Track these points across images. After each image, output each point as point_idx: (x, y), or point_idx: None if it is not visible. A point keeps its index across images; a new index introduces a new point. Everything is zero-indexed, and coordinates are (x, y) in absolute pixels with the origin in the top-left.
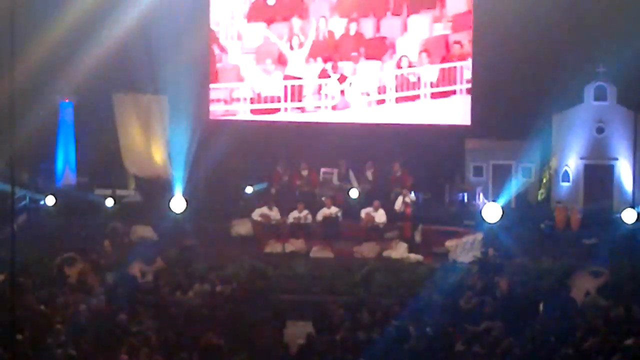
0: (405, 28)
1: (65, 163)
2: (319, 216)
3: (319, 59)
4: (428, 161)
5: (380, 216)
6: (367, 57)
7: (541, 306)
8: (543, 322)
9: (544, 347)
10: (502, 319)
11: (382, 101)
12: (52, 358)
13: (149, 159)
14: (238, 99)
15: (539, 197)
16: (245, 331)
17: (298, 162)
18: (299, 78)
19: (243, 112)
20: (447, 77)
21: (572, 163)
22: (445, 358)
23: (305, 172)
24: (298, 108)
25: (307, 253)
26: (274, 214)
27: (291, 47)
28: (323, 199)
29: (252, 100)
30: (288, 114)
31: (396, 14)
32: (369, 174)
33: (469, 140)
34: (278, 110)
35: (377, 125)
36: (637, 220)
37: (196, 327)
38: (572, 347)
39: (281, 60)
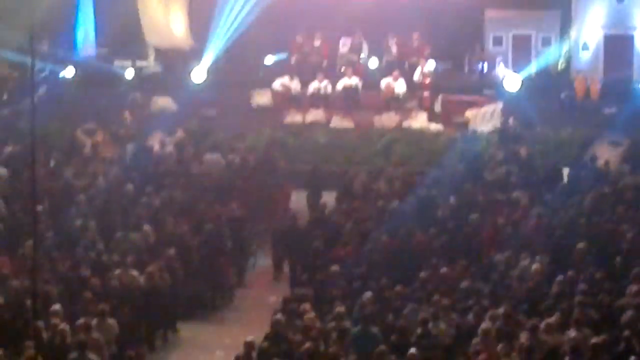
0: None
1: (84, 34)
2: (339, 86)
3: None
4: (447, 31)
5: (399, 86)
6: None
7: (565, 174)
8: (569, 191)
9: (570, 217)
10: (527, 188)
11: None
12: (72, 228)
13: (169, 29)
14: None
15: (559, 67)
16: (265, 201)
17: (315, 33)
18: None
19: None
20: None
21: (592, 33)
22: (468, 227)
23: (318, 43)
24: None
25: (327, 123)
26: (294, 84)
27: None
28: (342, 69)
29: None
30: None
31: None
32: (389, 45)
33: (489, 10)
34: None
35: None
36: None
37: (217, 198)
38: (603, 215)
39: None
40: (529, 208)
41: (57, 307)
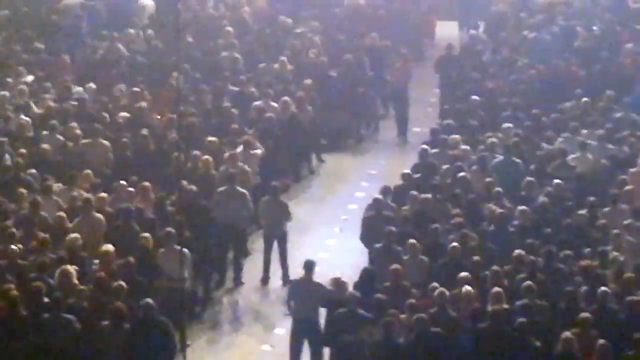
0: None
1: None
2: None
3: None
4: None
5: None
6: None
7: None
8: None
9: None
10: None
11: None
12: (218, 60)
13: None
14: None
15: None
16: (410, 31)
17: None
18: None
19: None
20: None
21: None
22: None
23: None
24: None
25: None
26: None
27: None
28: None
29: None
30: None
31: None
32: None
33: None
34: None
35: None
36: None
37: (360, 27)
38: None
39: None
40: None
41: (211, 138)
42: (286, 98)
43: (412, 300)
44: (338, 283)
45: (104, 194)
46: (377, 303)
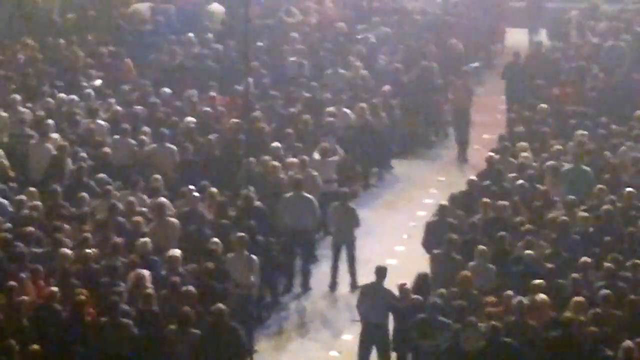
0: None
1: None
2: None
3: None
4: None
5: None
6: None
7: None
8: None
9: None
10: None
11: None
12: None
13: None
14: None
15: None
16: (481, 38)
17: None
18: None
19: None
20: None
21: None
22: None
23: None
24: None
25: None
26: None
27: None
28: None
29: None
30: None
31: None
32: None
33: None
34: None
35: None
36: None
37: (434, 35)
38: None
39: None
40: None
41: (276, 144)
42: (363, 105)
43: (492, 309)
44: (402, 290)
45: (164, 199)
46: (457, 310)
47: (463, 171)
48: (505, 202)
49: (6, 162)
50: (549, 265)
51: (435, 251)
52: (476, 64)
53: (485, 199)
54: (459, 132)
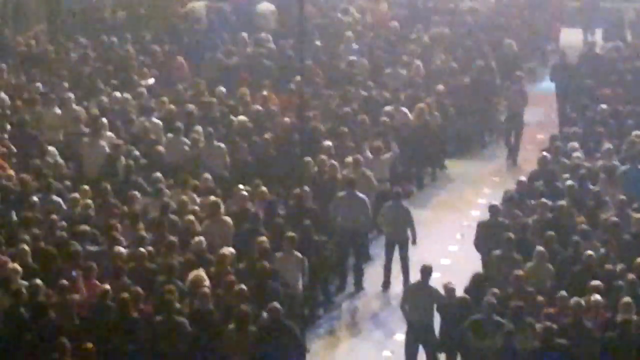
0: None
1: None
2: None
3: None
4: None
5: None
6: None
7: None
8: None
9: None
10: None
11: None
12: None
13: None
14: None
15: None
16: (534, 39)
17: None
18: None
19: None
20: None
21: None
22: None
23: None
24: None
25: None
26: None
27: None
28: None
29: None
30: None
31: None
32: None
33: None
34: None
35: None
36: None
37: (487, 36)
38: None
39: None
40: None
41: (327, 143)
42: (422, 105)
43: (551, 310)
44: (448, 289)
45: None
46: (513, 310)
47: (516, 171)
48: (563, 202)
49: (61, 161)
50: (607, 266)
51: (494, 252)
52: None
53: (542, 200)
54: (509, 136)
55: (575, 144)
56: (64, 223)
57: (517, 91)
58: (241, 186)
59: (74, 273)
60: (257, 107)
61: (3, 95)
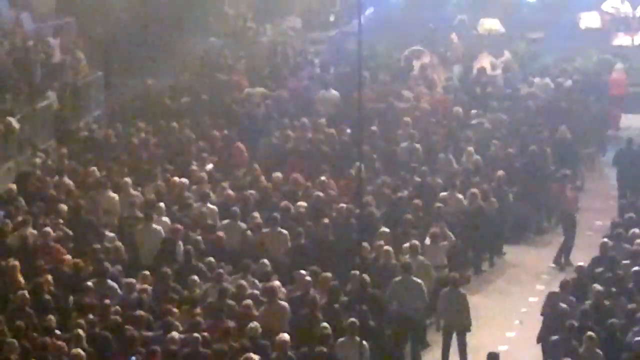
0: None
1: None
2: None
3: None
4: None
5: None
6: None
7: None
8: None
9: None
10: None
11: None
12: (398, 151)
13: None
14: None
15: None
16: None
17: None
18: None
19: None
20: None
21: None
22: None
23: None
24: None
25: None
26: (624, 7)
27: None
28: None
29: None
30: None
31: None
32: None
33: None
34: None
35: None
36: None
37: (547, 119)
38: None
39: None
40: None
41: (383, 229)
42: (475, 190)
43: None
44: None
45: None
46: None
47: (575, 258)
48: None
49: (119, 244)
50: None
51: (553, 338)
52: None
53: (597, 287)
54: (565, 236)
55: (638, 231)
56: (118, 308)
57: (571, 195)
58: (303, 272)
59: (133, 358)
60: (317, 193)
61: (67, 180)
